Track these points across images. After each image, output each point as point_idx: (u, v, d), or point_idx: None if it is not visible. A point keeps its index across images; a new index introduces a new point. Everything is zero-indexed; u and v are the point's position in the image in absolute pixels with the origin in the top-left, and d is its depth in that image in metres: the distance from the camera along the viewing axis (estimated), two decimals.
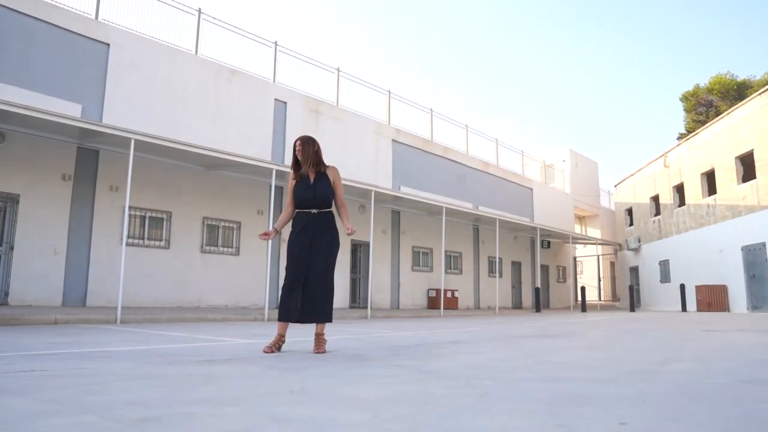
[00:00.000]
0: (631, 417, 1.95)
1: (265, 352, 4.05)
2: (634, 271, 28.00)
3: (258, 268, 13.38)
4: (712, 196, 20.94)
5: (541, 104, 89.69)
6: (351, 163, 15.99)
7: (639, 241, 27.26)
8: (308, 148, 4.24)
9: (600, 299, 30.04)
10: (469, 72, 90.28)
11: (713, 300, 19.88)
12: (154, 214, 12.38)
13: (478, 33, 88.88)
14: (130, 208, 11.04)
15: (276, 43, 15.40)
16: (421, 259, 19.64)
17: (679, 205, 23.84)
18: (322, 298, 4.13)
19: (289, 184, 4.33)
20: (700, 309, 20.29)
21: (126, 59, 12.01)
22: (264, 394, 2.34)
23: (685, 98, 34.67)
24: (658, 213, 25.82)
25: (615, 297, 32.72)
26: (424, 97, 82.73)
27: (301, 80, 15.96)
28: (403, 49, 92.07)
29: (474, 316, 14.44)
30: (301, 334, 5.54)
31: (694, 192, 22.26)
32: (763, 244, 17.75)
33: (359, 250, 17.46)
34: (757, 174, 18.20)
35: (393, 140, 18.49)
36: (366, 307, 13.66)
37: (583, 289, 23.09)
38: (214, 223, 13.54)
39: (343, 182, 4.71)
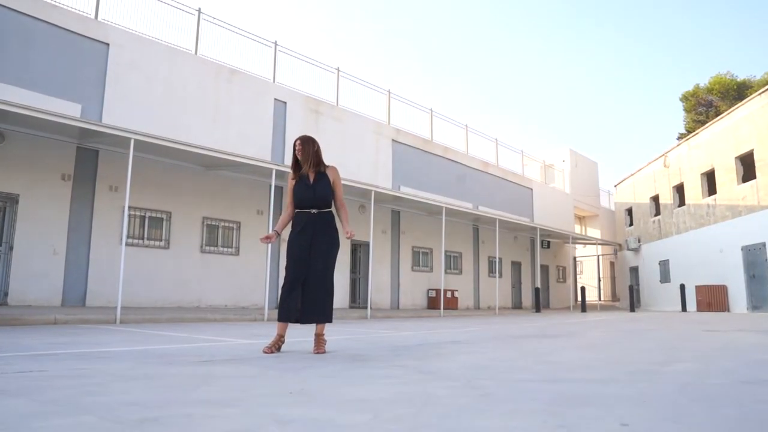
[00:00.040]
0: (631, 417, 1.94)
1: (265, 352, 4.04)
2: (634, 271, 27.99)
3: (258, 268, 13.38)
4: (712, 196, 20.94)
5: (541, 104, 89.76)
6: (351, 163, 15.99)
7: (639, 241, 27.26)
8: (308, 148, 4.23)
9: (600, 299, 30.03)
10: (469, 72, 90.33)
11: (713, 300, 19.88)
12: (153, 214, 12.37)
13: (478, 33, 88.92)
14: (129, 208, 11.04)
15: (276, 43, 15.39)
16: (421, 259, 19.63)
17: (679, 205, 23.84)
18: (322, 299, 4.12)
19: (289, 184, 4.32)
20: (700, 309, 20.29)
21: (126, 59, 12.01)
22: (264, 395, 2.34)
23: (685, 98, 34.68)
24: (658, 213, 25.82)
25: (615, 297, 32.70)
26: (424, 97, 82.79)
27: (301, 80, 15.98)
28: (403, 49, 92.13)
29: (474, 316, 14.43)
30: (300, 334, 5.54)
31: (694, 192, 22.26)
32: (763, 244, 17.75)
33: (359, 250, 17.46)
34: (757, 174, 18.20)
35: (393, 140, 18.49)
36: (366, 308, 13.66)
37: (583, 289, 23.08)
38: (213, 223, 13.53)
39: (343, 182, 4.71)
